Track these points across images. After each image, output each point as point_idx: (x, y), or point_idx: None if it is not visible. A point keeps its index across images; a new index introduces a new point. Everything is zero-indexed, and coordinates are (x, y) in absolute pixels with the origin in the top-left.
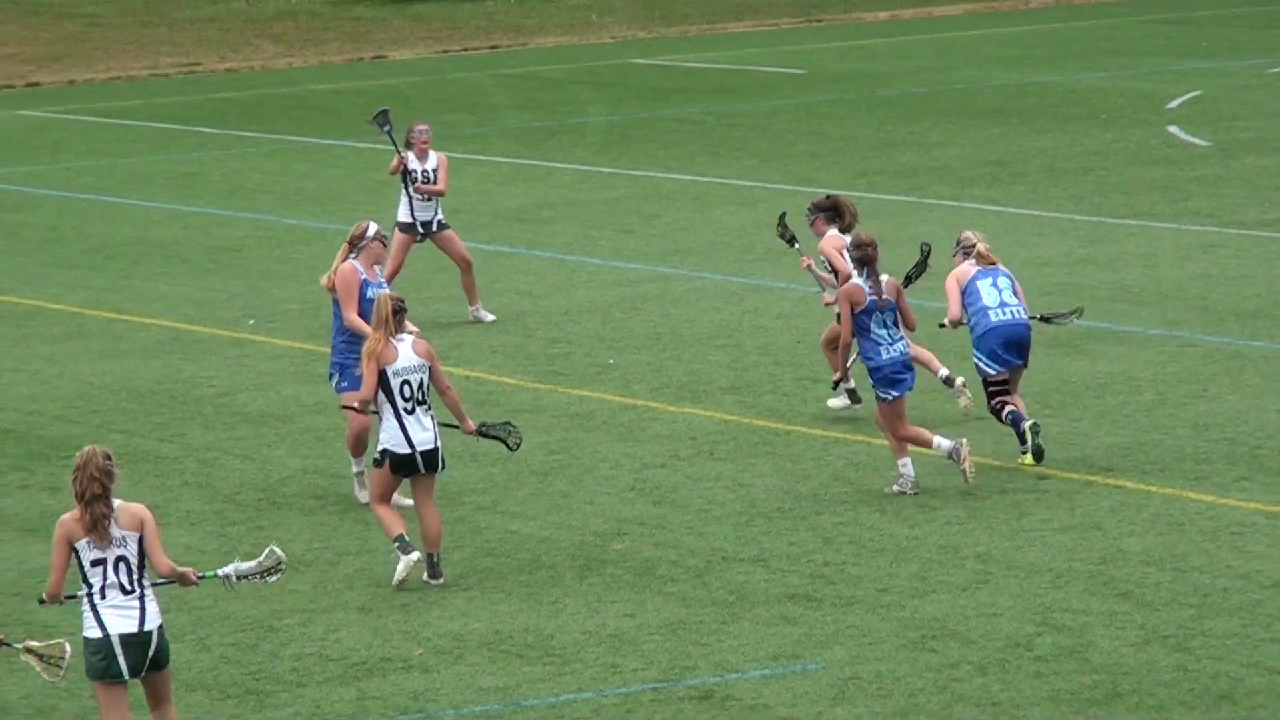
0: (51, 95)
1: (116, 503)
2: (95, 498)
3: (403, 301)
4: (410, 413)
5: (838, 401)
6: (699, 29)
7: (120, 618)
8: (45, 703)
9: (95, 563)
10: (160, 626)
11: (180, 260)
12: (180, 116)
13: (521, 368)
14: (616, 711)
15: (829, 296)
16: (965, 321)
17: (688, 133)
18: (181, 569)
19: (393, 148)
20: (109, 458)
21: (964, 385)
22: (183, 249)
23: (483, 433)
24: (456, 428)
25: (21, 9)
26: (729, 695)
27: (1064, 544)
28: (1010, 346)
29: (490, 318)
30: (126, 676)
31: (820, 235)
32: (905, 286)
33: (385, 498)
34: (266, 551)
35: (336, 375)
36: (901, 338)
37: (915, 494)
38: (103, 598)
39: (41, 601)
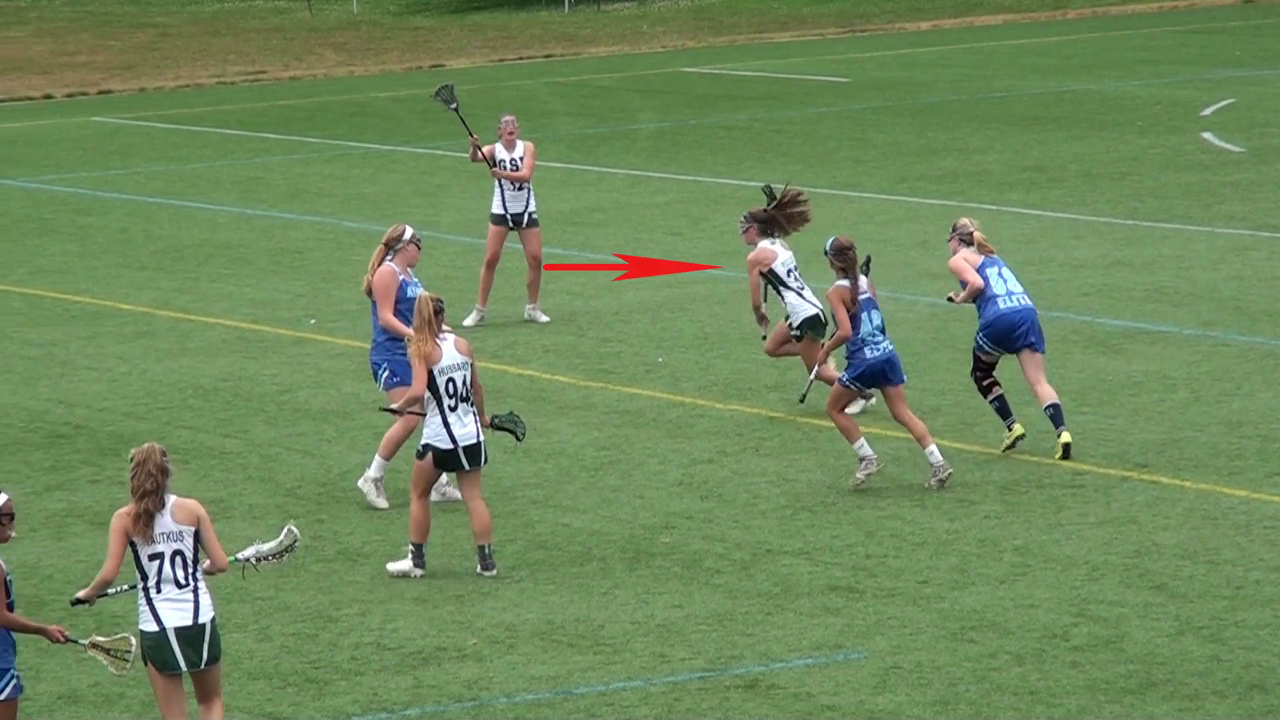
0: (123, 102)
1: (172, 498)
2: (148, 493)
3: (442, 302)
4: (454, 409)
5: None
6: (747, 38)
7: (175, 611)
8: (113, 690)
9: (153, 556)
10: (213, 619)
11: (245, 262)
12: (246, 123)
13: (573, 366)
14: (664, 700)
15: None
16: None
17: (735, 139)
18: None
19: (463, 128)
20: (165, 455)
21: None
22: (247, 251)
23: (495, 425)
24: (510, 432)
25: (95, 19)
26: (773, 684)
27: (1100, 538)
28: (1017, 331)
29: (544, 319)
30: (183, 669)
31: (754, 246)
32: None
33: (425, 492)
34: (285, 530)
35: (386, 372)
36: (885, 334)
37: (879, 469)
38: (158, 591)
39: (74, 603)
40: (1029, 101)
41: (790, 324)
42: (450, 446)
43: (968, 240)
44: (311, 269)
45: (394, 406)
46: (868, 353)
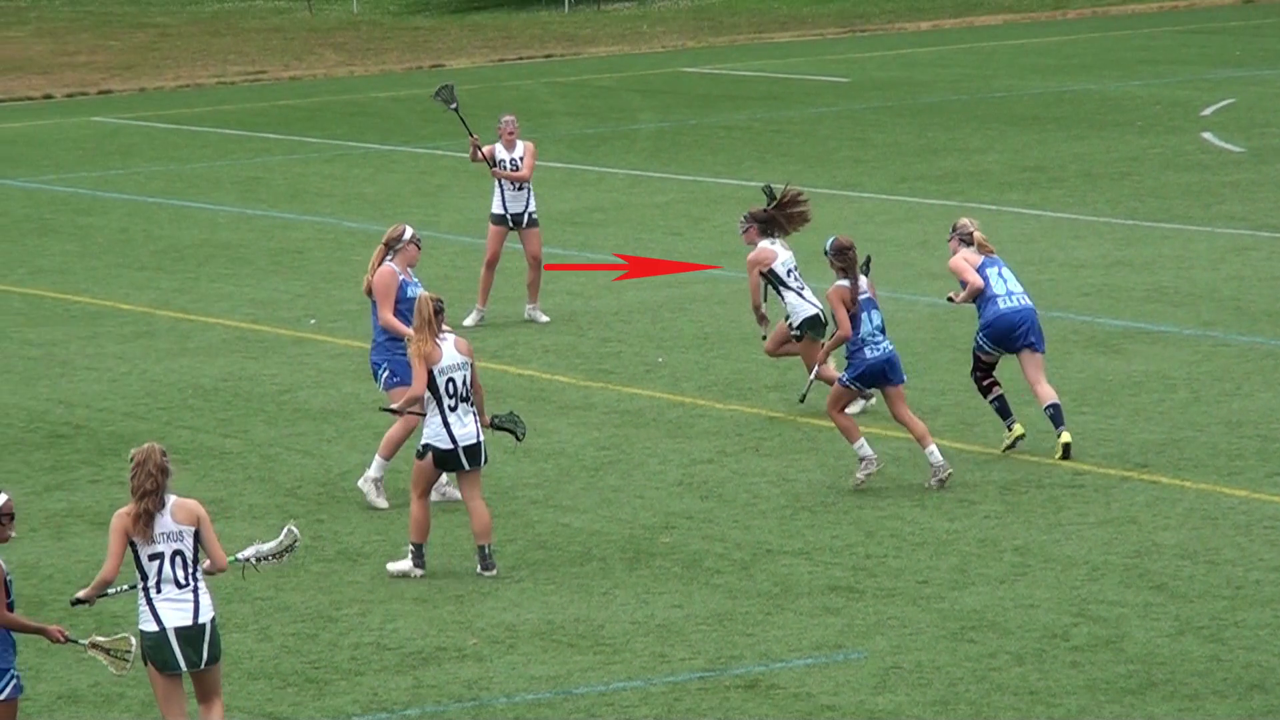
0: (123, 102)
1: (172, 498)
2: (148, 493)
3: (442, 302)
4: (454, 409)
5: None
6: (747, 38)
7: (175, 611)
8: (114, 690)
9: (153, 556)
10: (213, 619)
11: (245, 262)
12: (246, 123)
13: (573, 366)
14: (664, 699)
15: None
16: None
17: (735, 139)
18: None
19: (464, 128)
20: (165, 455)
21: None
22: (247, 251)
23: (495, 425)
24: (510, 432)
25: (95, 19)
26: (773, 684)
27: (1100, 538)
28: (1017, 331)
29: (544, 319)
30: (183, 669)
31: (754, 246)
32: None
33: (425, 492)
34: (285, 530)
35: (386, 372)
36: (885, 334)
37: (879, 469)
38: (158, 591)
39: (74, 603)
40: (1029, 101)
41: (790, 324)
42: (450, 446)
43: (968, 240)
44: (311, 269)
45: (394, 406)
46: (868, 353)
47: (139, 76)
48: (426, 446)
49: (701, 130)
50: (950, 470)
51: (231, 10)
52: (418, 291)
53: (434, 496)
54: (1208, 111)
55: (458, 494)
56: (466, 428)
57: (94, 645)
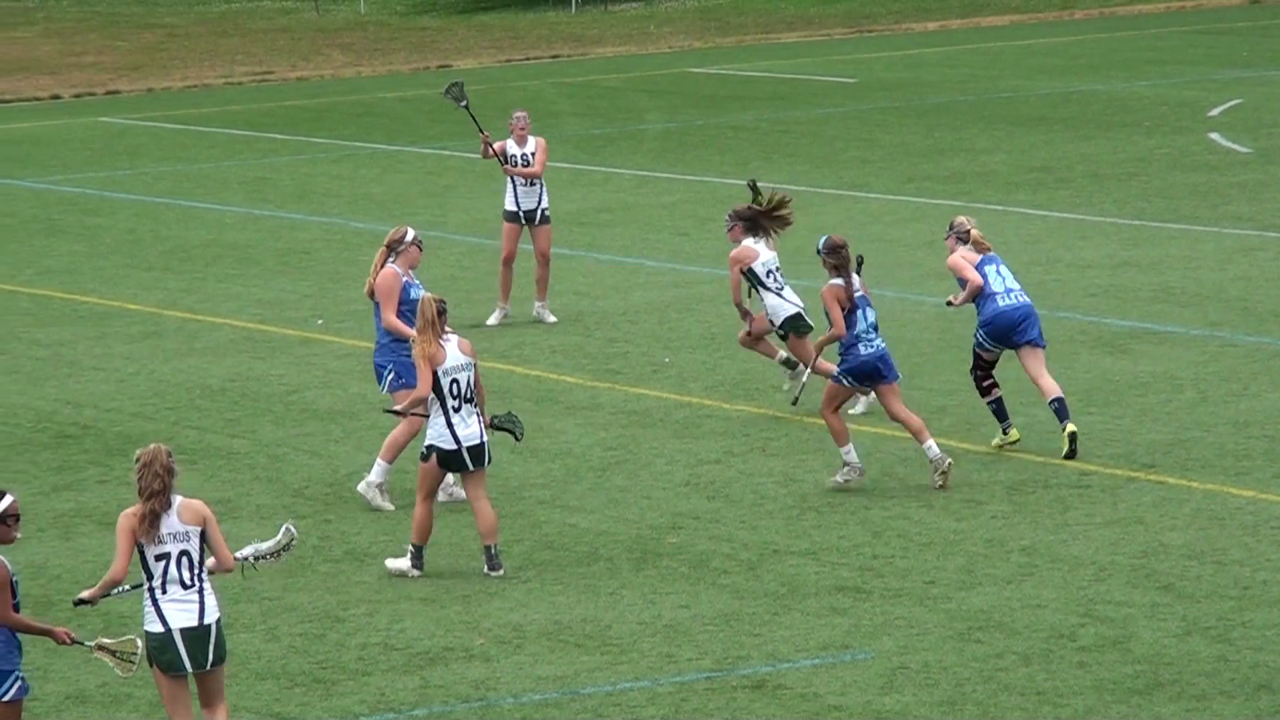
0: (130, 103)
1: (178, 499)
2: (155, 493)
3: (445, 303)
4: (457, 410)
5: (788, 385)
6: (754, 39)
7: (180, 611)
8: (121, 690)
9: (159, 557)
10: (219, 620)
11: (252, 262)
12: (253, 123)
13: (580, 366)
14: (672, 700)
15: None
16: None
17: (742, 139)
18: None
19: (474, 125)
20: (171, 455)
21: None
22: (255, 251)
23: (494, 425)
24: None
25: (102, 19)
26: (780, 684)
27: (1107, 538)
28: (1017, 328)
29: (552, 319)
30: (189, 670)
31: (738, 244)
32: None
33: (430, 494)
34: (284, 529)
35: (391, 374)
36: (878, 332)
37: (860, 479)
38: (164, 592)
39: (78, 604)
40: (1036, 102)
41: (772, 324)
42: (454, 447)
43: (964, 238)
44: (319, 269)
45: (398, 408)
46: (861, 349)
47: (147, 77)
48: (430, 448)
49: (708, 130)
50: (950, 461)
51: (239, 11)
52: (420, 293)
53: (440, 497)
54: (1215, 112)
55: (464, 494)
56: (470, 428)
57: (100, 647)
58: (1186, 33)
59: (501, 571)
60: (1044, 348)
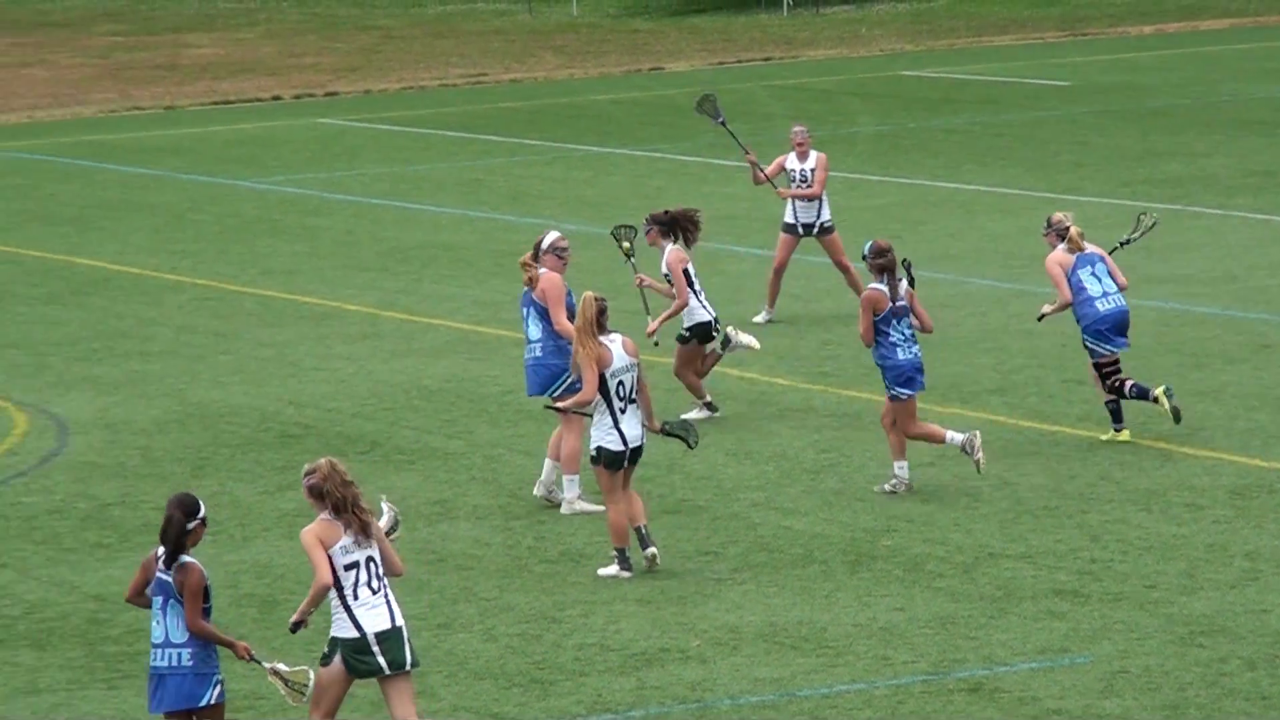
0: (348, 105)
1: None
2: (352, 503)
3: (605, 301)
4: (624, 411)
5: (694, 414)
6: (966, 42)
7: (373, 615)
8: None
9: (349, 566)
10: (405, 623)
11: (467, 263)
12: (467, 125)
13: (793, 369)
14: (887, 702)
15: (653, 323)
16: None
17: (954, 142)
18: None
19: (735, 144)
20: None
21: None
22: (469, 253)
23: (666, 431)
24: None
25: (321, 22)
26: (998, 687)
27: None
28: (1117, 330)
29: (762, 320)
30: (387, 671)
31: (658, 248)
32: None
33: (617, 494)
34: (385, 509)
35: (570, 377)
36: (916, 341)
37: (906, 492)
38: (355, 598)
39: (294, 629)
40: (1257, 106)
41: (683, 329)
42: (621, 448)
43: (1063, 235)
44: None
45: (561, 405)
46: (900, 354)
47: (364, 78)
48: (600, 450)
49: (920, 134)
50: (974, 434)
51: (453, 13)
52: (572, 299)
53: (538, 491)
54: None
55: (561, 494)
56: (635, 429)
57: (275, 673)
58: None
59: (654, 549)
60: (1128, 348)
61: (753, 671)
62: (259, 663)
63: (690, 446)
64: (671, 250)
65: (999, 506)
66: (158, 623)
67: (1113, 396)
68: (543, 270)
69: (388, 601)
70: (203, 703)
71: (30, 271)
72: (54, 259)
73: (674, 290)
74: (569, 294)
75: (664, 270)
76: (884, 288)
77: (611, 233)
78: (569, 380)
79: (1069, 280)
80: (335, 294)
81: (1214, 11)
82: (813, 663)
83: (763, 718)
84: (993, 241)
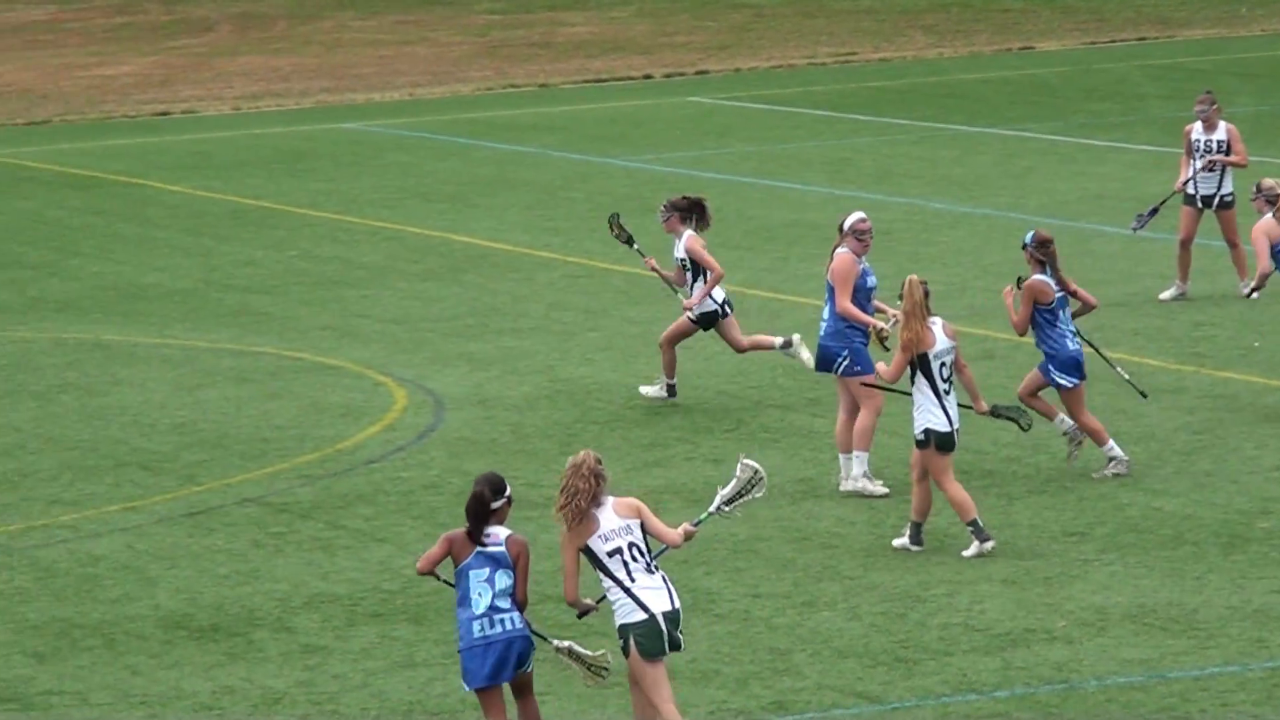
0: (718, 83)
1: (609, 498)
2: (579, 491)
3: (927, 284)
4: (947, 393)
5: (651, 390)
6: None
7: (657, 596)
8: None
9: (612, 553)
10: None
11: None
12: (835, 104)
13: (1164, 349)
14: (1263, 686)
15: (691, 300)
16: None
17: None
18: (684, 529)
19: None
20: (600, 461)
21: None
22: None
23: (995, 413)
24: (1014, 421)
25: (693, 1)
26: None
27: None
28: None
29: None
30: (669, 651)
31: (675, 234)
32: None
33: (924, 475)
34: (740, 466)
35: (847, 360)
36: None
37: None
38: (633, 581)
39: (581, 615)
40: None
41: (691, 315)
42: (948, 429)
43: (1272, 201)
44: (898, 250)
45: (875, 381)
46: (1069, 344)
47: (734, 57)
48: (928, 432)
49: None
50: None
51: None
52: (873, 280)
53: (846, 487)
54: None
55: (876, 489)
56: (954, 410)
57: (572, 653)
58: None
59: (991, 543)
60: None
61: (1120, 652)
62: (547, 640)
63: (1023, 429)
64: (689, 236)
65: None
66: (480, 595)
67: None
68: (841, 250)
69: (665, 583)
70: (529, 666)
71: (410, 248)
72: (432, 236)
73: (680, 275)
74: (865, 273)
75: (679, 256)
76: (1049, 279)
77: (612, 222)
78: (845, 362)
79: (1275, 250)
80: None
81: None
82: (1183, 644)
83: (1130, 699)
84: None
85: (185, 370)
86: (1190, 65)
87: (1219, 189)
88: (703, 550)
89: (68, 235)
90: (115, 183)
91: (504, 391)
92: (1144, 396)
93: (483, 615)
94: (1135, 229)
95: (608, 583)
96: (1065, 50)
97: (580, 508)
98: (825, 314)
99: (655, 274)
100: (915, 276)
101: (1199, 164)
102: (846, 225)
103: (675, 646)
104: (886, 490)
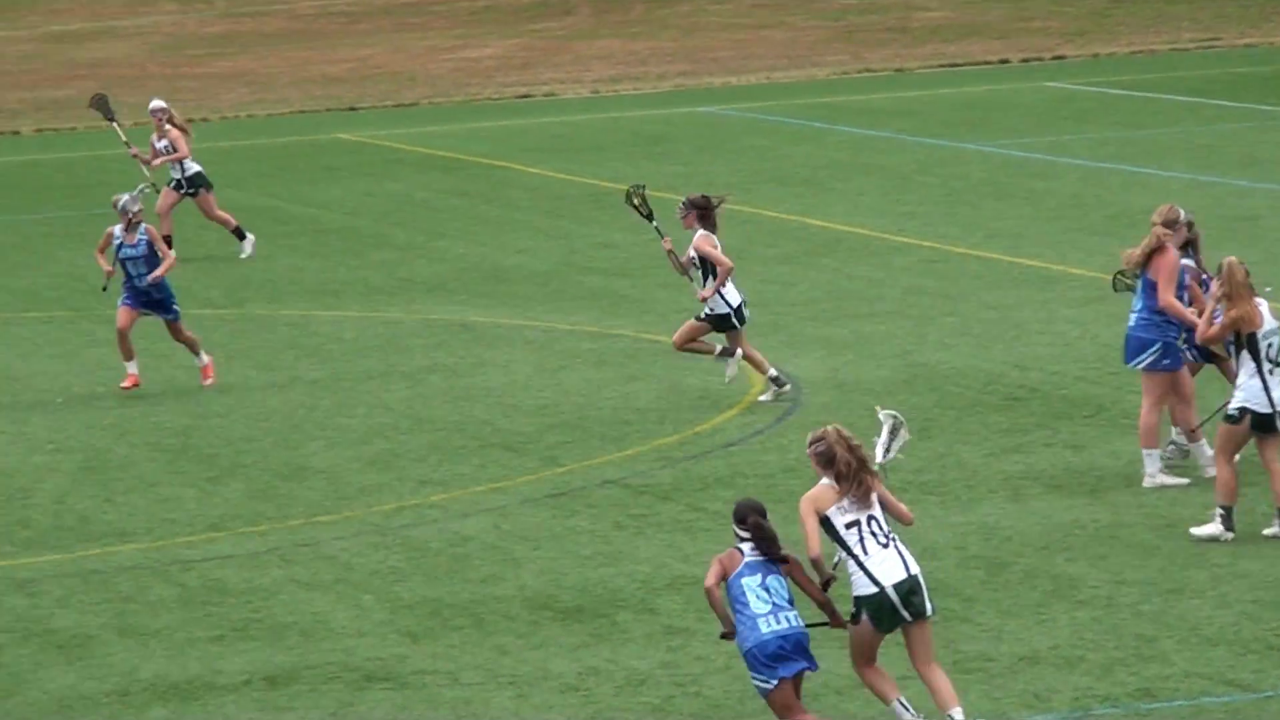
0: (1075, 68)
1: None
2: (859, 466)
3: (1246, 266)
4: (1271, 374)
5: (731, 370)
6: None
7: (887, 567)
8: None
9: (850, 525)
10: (920, 572)
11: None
12: (1199, 90)
13: None
14: None
15: (705, 291)
16: None
17: None
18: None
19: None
20: (850, 434)
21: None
22: (1198, 219)
23: None
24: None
25: None
26: None
27: None
28: None
29: None
30: (909, 619)
31: (691, 230)
32: None
33: (1232, 455)
34: (882, 415)
35: (1158, 352)
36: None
37: None
38: (865, 554)
39: (825, 584)
40: None
41: (707, 310)
42: (1270, 411)
43: None
44: (1266, 237)
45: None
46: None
47: (1091, 42)
48: (1243, 410)
49: None
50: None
51: None
52: (1227, 259)
53: (1150, 484)
54: None
55: (1169, 481)
56: (1277, 392)
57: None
58: None
59: (1231, 535)
60: None
61: None
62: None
63: None
64: (701, 235)
65: None
66: (760, 599)
67: None
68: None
69: (899, 552)
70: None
71: (767, 231)
72: (788, 219)
73: (687, 266)
74: (1184, 271)
75: (691, 253)
76: (1190, 263)
77: (629, 191)
78: (1156, 355)
79: None
80: (1061, 258)
81: None
82: None
83: None
84: None
85: (547, 352)
86: None
87: None
88: (1064, 536)
89: (434, 217)
90: (479, 165)
91: (861, 375)
92: None
93: (764, 614)
94: None
95: (841, 554)
96: None
97: (869, 486)
98: (1137, 304)
99: (670, 255)
100: (1234, 258)
101: None
102: (1182, 219)
103: (917, 615)
104: (1185, 481)
